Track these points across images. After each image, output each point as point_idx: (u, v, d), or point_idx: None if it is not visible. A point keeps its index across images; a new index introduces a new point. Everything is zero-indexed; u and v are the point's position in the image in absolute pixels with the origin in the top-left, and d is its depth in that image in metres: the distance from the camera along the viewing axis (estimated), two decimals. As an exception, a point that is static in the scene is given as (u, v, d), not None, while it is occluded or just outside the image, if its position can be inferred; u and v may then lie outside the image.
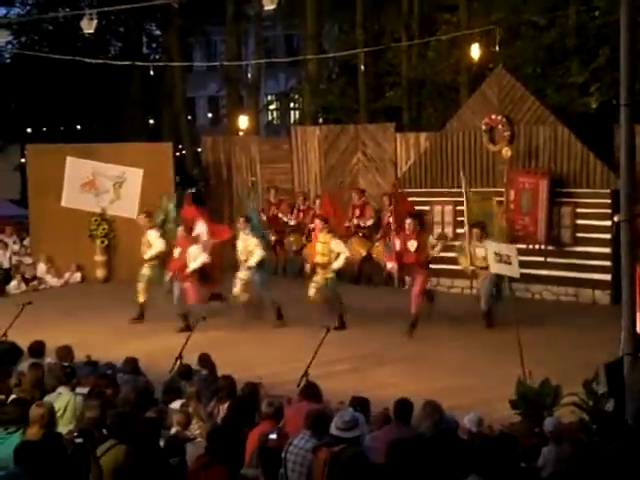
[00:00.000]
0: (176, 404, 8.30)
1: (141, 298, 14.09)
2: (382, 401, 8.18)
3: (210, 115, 45.49)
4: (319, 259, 13.38)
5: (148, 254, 14.29)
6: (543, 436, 7.55)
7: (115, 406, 7.88)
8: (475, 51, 17.87)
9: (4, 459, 6.47)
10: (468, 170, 16.04)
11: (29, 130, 33.95)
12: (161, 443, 6.91)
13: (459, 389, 10.05)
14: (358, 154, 18.57)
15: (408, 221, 13.14)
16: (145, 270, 14.25)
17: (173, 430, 7.71)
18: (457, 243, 14.52)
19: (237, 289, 13.61)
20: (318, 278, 13.30)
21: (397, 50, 21.86)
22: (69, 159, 18.83)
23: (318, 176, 19.04)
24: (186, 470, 6.55)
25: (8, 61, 34.98)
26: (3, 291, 17.44)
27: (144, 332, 13.00)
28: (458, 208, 16.04)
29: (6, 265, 18.81)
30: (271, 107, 39.70)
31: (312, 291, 13.24)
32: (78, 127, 34.36)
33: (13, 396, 8.30)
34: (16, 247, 19.29)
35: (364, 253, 17.27)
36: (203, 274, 13.72)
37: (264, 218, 17.87)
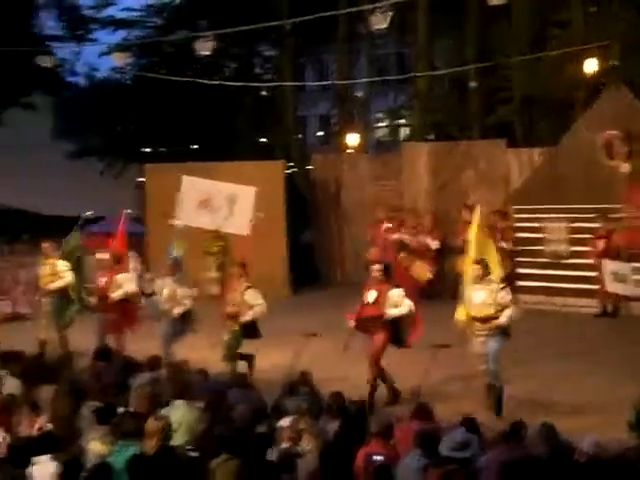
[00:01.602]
0: (285, 420, 8.38)
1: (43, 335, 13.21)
2: (496, 422, 8.06)
3: (321, 133, 45.89)
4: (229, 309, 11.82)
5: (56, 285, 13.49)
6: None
7: (228, 420, 8.03)
8: (590, 66, 17.50)
9: (121, 471, 6.67)
10: (584, 186, 15.71)
11: (147, 150, 35.00)
12: (272, 458, 7.00)
13: (575, 411, 9.81)
14: (469, 170, 18.39)
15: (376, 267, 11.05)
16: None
17: (283, 446, 7.80)
18: (570, 261, 14.07)
19: None
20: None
21: (508, 66, 21.60)
22: (185, 178, 19.33)
23: (428, 193, 18.95)
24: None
25: (128, 83, 36.18)
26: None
27: (253, 350, 13.13)
28: (573, 225, 15.74)
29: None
30: (381, 124, 39.74)
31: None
32: (194, 146, 35.22)
33: (130, 409, 8.56)
34: (135, 264, 19.87)
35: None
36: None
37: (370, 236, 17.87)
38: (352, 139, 26.81)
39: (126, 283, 13.09)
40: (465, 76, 22.24)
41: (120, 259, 13.53)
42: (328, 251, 20.81)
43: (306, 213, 21.74)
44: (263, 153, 30.04)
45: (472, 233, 11.11)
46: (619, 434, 8.48)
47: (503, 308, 9.98)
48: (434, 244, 17.44)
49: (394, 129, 34.18)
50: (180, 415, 8.26)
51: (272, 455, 7.24)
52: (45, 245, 13.90)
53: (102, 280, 13.12)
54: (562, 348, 12.97)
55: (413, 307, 10.80)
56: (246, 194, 19.07)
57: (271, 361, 12.09)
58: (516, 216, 16.99)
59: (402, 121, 32.20)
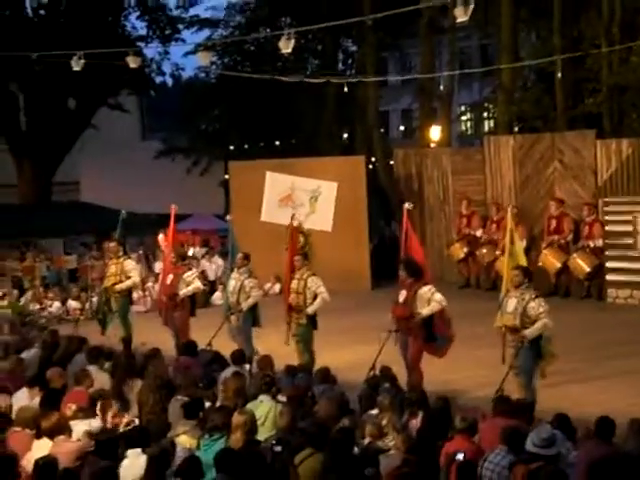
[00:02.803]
0: (368, 415, 8.38)
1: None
2: (586, 419, 7.91)
3: (403, 128, 45.70)
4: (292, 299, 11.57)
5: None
6: None
7: (312, 415, 8.08)
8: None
9: (209, 465, 6.78)
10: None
11: (231, 147, 35.44)
12: (355, 453, 7.02)
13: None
14: (555, 163, 18.07)
15: (401, 267, 10.61)
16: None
17: (366, 441, 7.81)
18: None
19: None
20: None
21: (597, 56, 21.12)
22: (269, 174, 19.50)
23: (512, 186, 18.69)
24: (380, 481, 6.62)
25: (213, 81, 36.68)
26: (207, 302, 18.24)
27: (334, 344, 13.15)
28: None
29: (212, 277, 19.73)
30: (464, 118, 39.38)
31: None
32: (277, 143, 35.51)
33: (218, 404, 8.70)
34: (220, 260, 20.17)
35: (559, 265, 16.83)
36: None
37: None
38: (434, 133, 26.66)
39: (194, 281, 13.17)
40: (551, 67, 21.83)
41: (185, 256, 13.62)
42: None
43: (388, 208, 21.68)
44: (345, 148, 30.11)
45: (509, 236, 10.59)
46: None
47: (534, 320, 9.48)
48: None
49: (478, 122, 33.83)
50: (265, 409, 8.35)
51: (356, 450, 7.27)
52: (111, 245, 14.08)
53: (169, 277, 13.14)
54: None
55: (444, 302, 10.36)
56: (328, 190, 19.14)
57: (352, 356, 12.11)
58: (605, 209, 16.63)
59: (486, 114, 31.84)
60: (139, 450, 7.08)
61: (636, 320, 14.52)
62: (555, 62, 20.69)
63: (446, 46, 27.68)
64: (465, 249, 18.52)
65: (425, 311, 10.25)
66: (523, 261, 10.37)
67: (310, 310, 11.48)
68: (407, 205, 11.61)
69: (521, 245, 10.78)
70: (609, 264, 16.33)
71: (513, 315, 9.59)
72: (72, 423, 7.99)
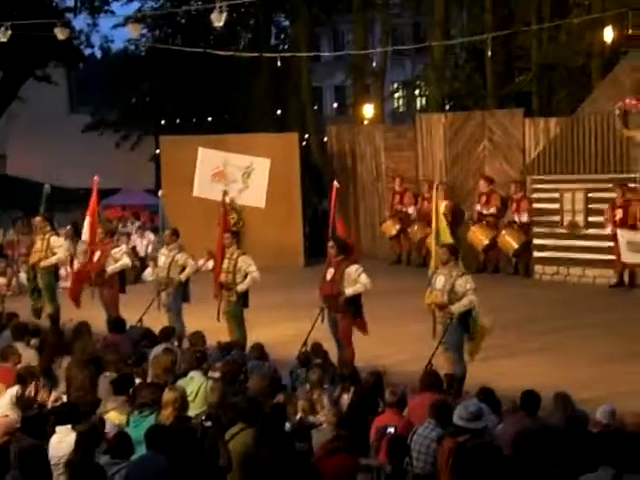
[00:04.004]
0: (300, 391, 8.42)
1: None
2: (512, 393, 8.07)
3: (336, 105, 45.74)
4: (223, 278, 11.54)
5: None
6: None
7: (244, 391, 8.09)
8: (608, 34, 17.32)
9: (139, 442, 6.74)
10: (600, 155, 15.61)
11: (163, 122, 35.01)
12: (287, 429, 7.05)
13: (592, 381, 9.81)
14: (484, 141, 18.28)
15: (330, 244, 10.62)
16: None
17: (298, 416, 7.85)
18: (589, 231, 13.80)
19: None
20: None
21: (527, 34, 21.39)
22: (201, 150, 19.32)
23: (443, 164, 18.87)
24: (312, 456, 6.66)
25: (143, 54, 36.12)
26: (138, 278, 18.04)
27: (266, 321, 13.16)
28: (590, 195, 15.65)
29: (142, 253, 19.49)
30: (396, 95, 39.56)
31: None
32: (209, 119, 35.20)
33: (148, 380, 8.63)
34: (152, 236, 19.94)
35: (487, 241, 17.09)
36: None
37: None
38: (368, 110, 26.74)
39: (122, 257, 12.93)
40: (483, 45, 22.04)
41: (114, 232, 13.39)
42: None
43: (321, 184, 21.71)
44: (279, 125, 30.00)
45: (435, 214, 10.70)
46: (635, 405, 8.49)
47: (461, 297, 9.58)
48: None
49: (410, 100, 34.03)
50: (196, 386, 8.33)
51: (287, 426, 7.30)
52: (37, 219, 13.75)
53: (97, 254, 12.87)
54: (578, 319, 12.94)
55: (369, 285, 10.37)
56: (261, 166, 19.06)
57: (284, 333, 12.13)
58: (533, 187, 16.91)
59: (418, 92, 32.04)
60: (69, 427, 6.99)
61: (562, 296, 14.85)
62: (486, 40, 20.88)
63: (379, 23, 27.72)
64: (397, 226, 18.66)
65: (349, 291, 10.29)
66: (448, 238, 10.49)
67: (239, 289, 11.46)
68: (335, 183, 11.61)
69: (445, 223, 10.86)
70: (536, 241, 16.63)
71: (441, 292, 9.70)
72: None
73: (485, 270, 17.09)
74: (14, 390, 8.16)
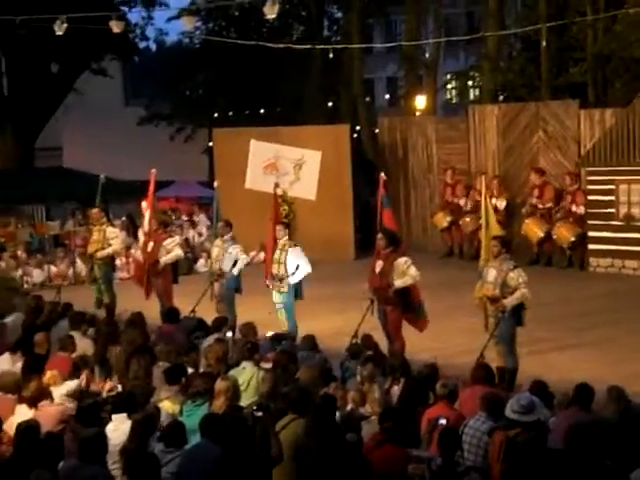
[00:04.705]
0: (350, 383, 8.45)
1: None
2: (563, 386, 8.01)
3: (388, 96, 45.54)
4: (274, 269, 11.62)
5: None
6: None
7: (295, 381, 8.14)
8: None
9: (192, 430, 6.83)
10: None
11: (216, 115, 35.23)
12: (337, 420, 7.08)
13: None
14: (539, 132, 18.09)
15: (379, 236, 10.54)
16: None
17: (348, 407, 7.87)
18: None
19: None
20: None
21: (582, 24, 21.08)
22: (253, 142, 19.41)
23: (496, 155, 18.71)
24: (362, 447, 6.68)
25: (197, 47, 36.35)
26: (191, 269, 18.21)
27: (316, 313, 13.19)
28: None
29: (194, 245, 19.69)
30: (449, 86, 39.28)
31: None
32: (262, 111, 35.31)
33: (201, 370, 8.73)
34: (204, 228, 20.13)
35: (542, 234, 16.92)
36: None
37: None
38: (420, 101, 26.59)
39: (174, 249, 13.02)
40: (536, 36, 21.78)
41: (167, 223, 13.54)
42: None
43: (373, 177, 21.66)
44: (330, 117, 29.98)
45: (484, 206, 10.54)
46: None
47: (513, 290, 9.50)
48: (501, 204, 17.21)
49: (463, 91, 33.75)
50: (248, 376, 8.39)
51: (338, 417, 7.32)
52: (93, 211, 13.93)
53: (150, 245, 12.95)
54: (631, 312, 12.76)
55: (418, 277, 10.27)
56: (312, 158, 19.09)
57: (334, 325, 12.17)
58: (588, 178, 16.70)
59: (471, 83, 31.76)
60: (124, 415, 7.11)
61: (616, 289, 14.66)
62: (540, 30, 20.64)
63: (432, 13, 27.52)
64: (448, 218, 18.59)
65: (398, 283, 10.20)
66: (497, 231, 10.39)
67: (292, 280, 11.51)
68: (382, 175, 11.55)
69: (494, 216, 10.77)
70: (591, 233, 16.43)
71: (493, 285, 9.61)
72: (52, 388, 8.01)
73: (538, 263, 16.94)
74: (73, 384, 8.29)
